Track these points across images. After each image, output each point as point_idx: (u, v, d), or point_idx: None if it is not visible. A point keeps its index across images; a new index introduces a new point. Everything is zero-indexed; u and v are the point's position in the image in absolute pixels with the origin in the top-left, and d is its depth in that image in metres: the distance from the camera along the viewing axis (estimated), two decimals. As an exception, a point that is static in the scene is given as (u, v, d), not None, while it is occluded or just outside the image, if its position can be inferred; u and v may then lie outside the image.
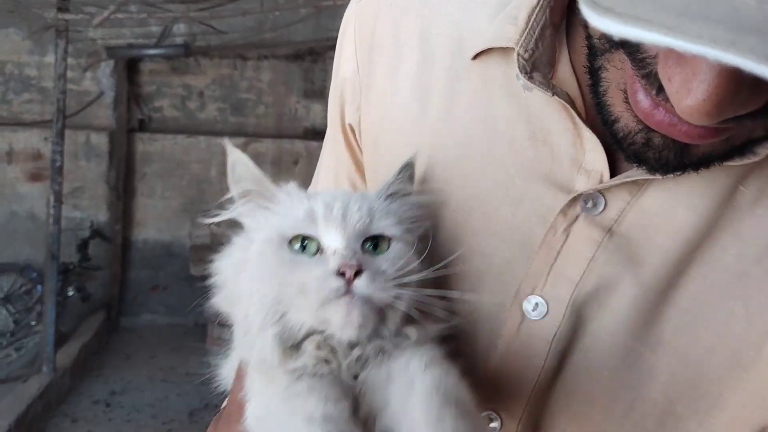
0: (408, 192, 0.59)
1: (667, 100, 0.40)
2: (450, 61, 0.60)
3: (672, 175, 0.48)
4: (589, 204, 0.53)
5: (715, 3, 0.31)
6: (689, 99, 0.38)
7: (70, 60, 4.90)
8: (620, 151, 0.49)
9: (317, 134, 6.22)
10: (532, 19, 0.54)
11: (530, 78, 0.53)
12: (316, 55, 6.12)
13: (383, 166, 0.64)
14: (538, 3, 0.54)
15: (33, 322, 4.58)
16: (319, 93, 6.26)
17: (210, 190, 5.88)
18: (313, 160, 6.08)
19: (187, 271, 5.59)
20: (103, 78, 5.39)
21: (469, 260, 0.57)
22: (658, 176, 0.49)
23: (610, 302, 0.53)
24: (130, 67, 5.64)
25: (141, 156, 5.72)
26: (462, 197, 0.58)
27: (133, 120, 5.72)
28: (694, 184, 0.50)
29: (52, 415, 3.84)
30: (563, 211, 0.54)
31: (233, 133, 5.99)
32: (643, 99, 0.44)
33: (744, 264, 0.49)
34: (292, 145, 6.05)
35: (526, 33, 0.54)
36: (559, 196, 0.54)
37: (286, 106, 6.19)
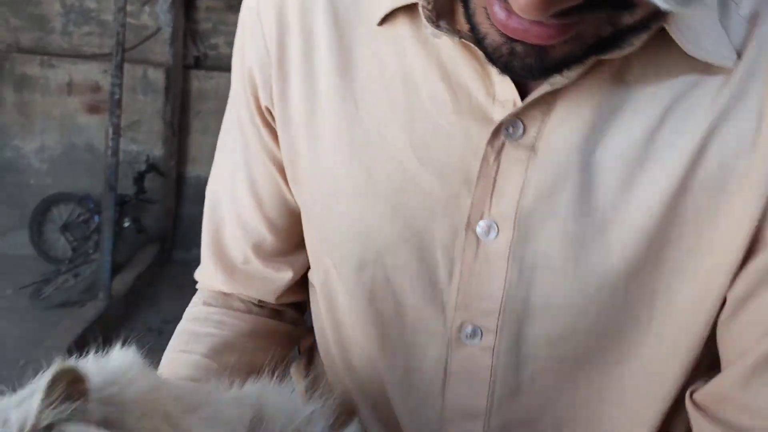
0: (73, 417, 0.44)
1: (519, 8, 0.45)
2: (359, 31, 0.64)
3: (548, 78, 0.56)
4: (510, 130, 0.60)
5: None
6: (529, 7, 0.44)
7: (129, -7, 4.93)
8: (493, 65, 0.55)
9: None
10: None
11: (437, 26, 0.57)
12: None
13: (313, 142, 0.68)
14: None
15: (90, 251, 4.74)
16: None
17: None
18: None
19: (237, 208, 5.68)
20: (161, 13, 5.40)
21: (414, 196, 0.63)
22: (555, 87, 0.57)
23: (551, 205, 0.60)
24: (187, 4, 5.64)
25: (196, 93, 5.77)
26: (393, 152, 0.63)
27: (189, 57, 5.75)
28: (590, 86, 0.58)
29: (107, 340, 4.00)
30: (490, 143, 0.60)
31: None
32: (498, 11, 0.49)
33: (649, 133, 0.58)
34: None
35: None
36: (483, 129, 0.60)
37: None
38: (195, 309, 0.82)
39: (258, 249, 0.77)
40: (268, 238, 0.76)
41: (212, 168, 0.79)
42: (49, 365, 0.48)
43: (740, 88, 0.56)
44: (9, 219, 5.54)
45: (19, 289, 4.53)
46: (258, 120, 0.72)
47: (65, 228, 5.15)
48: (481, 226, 0.62)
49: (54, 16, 5.56)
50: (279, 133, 0.70)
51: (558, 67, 0.54)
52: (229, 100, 0.78)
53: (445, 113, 0.61)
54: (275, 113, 0.70)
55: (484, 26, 0.52)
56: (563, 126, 0.59)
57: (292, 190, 0.72)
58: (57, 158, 5.48)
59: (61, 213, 5.37)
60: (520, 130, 0.59)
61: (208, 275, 0.81)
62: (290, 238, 0.77)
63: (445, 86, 0.61)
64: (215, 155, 0.80)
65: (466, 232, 0.62)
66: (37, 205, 5.36)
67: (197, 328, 0.78)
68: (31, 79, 5.43)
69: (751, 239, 0.58)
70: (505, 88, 0.59)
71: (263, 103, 0.71)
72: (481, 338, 0.64)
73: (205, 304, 0.81)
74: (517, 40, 0.50)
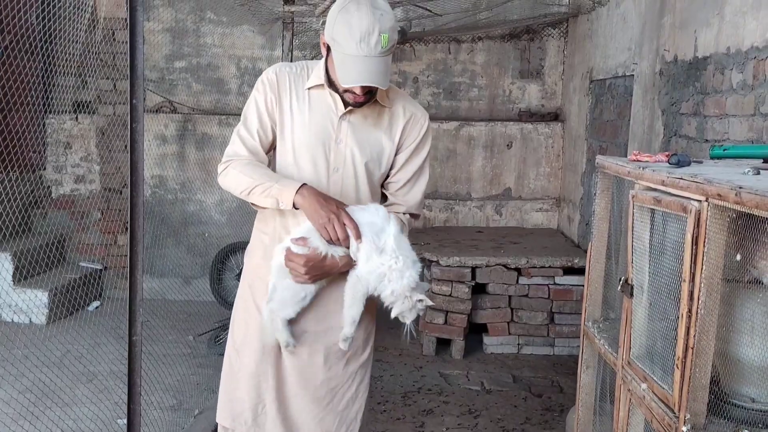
0: None
1: (355, 93, 1.96)
2: (300, 92, 2.10)
3: (360, 107, 2.05)
4: (343, 117, 2.07)
5: (365, 71, 1.89)
6: (358, 92, 1.95)
7: (295, 52, 5.18)
8: (343, 103, 2.05)
9: (532, 116, 5.98)
10: (324, 73, 2.06)
11: (327, 88, 2.06)
12: (532, 34, 5.86)
13: (288, 140, 2.10)
14: (323, 66, 2.06)
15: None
16: (535, 73, 5.99)
17: (423, 174, 5.92)
18: (527, 143, 5.86)
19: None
20: (324, 67, 5.61)
21: (310, 151, 2.08)
22: (355, 108, 2.06)
23: (358, 140, 2.09)
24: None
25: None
26: (317, 120, 2.07)
27: (351, 107, 5.92)
28: (374, 109, 2.08)
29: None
30: (339, 121, 2.07)
31: (446, 118, 5.97)
32: (351, 96, 1.99)
33: (387, 120, 2.12)
34: (506, 128, 5.87)
35: (325, 78, 2.05)
36: (336, 117, 2.07)
37: (500, 87, 6.01)
38: (237, 162, 2.12)
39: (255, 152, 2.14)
40: (259, 147, 2.13)
41: (242, 117, 2.15)
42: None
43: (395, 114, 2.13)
44: (194, 268, 5.97)
45: (198, 335, 4.82)
46: (268, 109, 2.11)
47: (238, 276, 5.42)
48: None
49: (230, 79, 5.99)
50: (277, 117, 2.10)
51: (362, 105, 2.02)
52: (252, 98, 2.13)
53: (328, 115, 2.07)
54: (276, 111, 2.10)
55: (345, 97, 2.01)
56: (360, 120, 2.07)
57: (277, 135, 2.12)
58: (234, 210, 5.84)
59: (238, 261, 5.68)
60: (346, 116, 2.06)
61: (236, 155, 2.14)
62: (266, 151, 2.14)
63: (327, 108, 2.07)
64: (243, 113, 2.16)
65: (336, 144, 2.07)
66: (217, 254, 5.72)
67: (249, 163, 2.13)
68: (210, 137, 5.87)
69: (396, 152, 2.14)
70: (341, 107, 2.05)
71: (271, 106, 2.10)
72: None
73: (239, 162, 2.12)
74: (356, 102, 2.01)
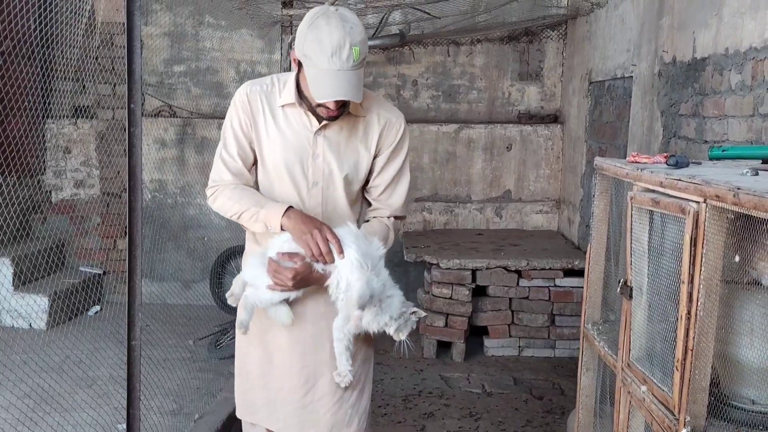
0: None
1: (328, 108, 1.97)
2: (276, 107, 2.10)
3: (335, 120, 2.05)
4: (318, 132, 2.07)
5: (337, 85, 1.89)
6: (332, 107, 1.97)
7: (294, 55, 5.17)
8: (317, 118, 2.04)
9: (532, 118, 5.98)
10: (295, 89, 2.06)
11: (300, 106, 2.06)
12: (531, 36, 5.86)
13: (267, 158, 2.11)
14: (294, 82, 2.05)
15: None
16: (534, 75, 5.99)
17: (422, 176, 5.92)
18: (527, 145, 5.86)
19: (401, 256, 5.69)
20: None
21: (288, 169, 2.08)
22: (329, 122, 2.05)
23: (335, 154, 2.09)
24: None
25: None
26: (290, 137, 2.09)
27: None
28: (348, 120, 2.07)
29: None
30: (314, 137, 2.07)
31: (445, 120, 5.96)
32: (324, 110, 1.99)
33: (362, 129, 2.11)
34: (505, 130, 5.87)
35: (296, 95, 2.05)
36: (311, 133, 2.07)
37: (499, 89, 6.01)
38: (223, 186, 2.15)
39: (239, 173, 2.16)
40: (242, 168, 2.15)
41: (221, 139, 2.16)
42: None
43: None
44: (194, 272, 5.96)
45: (198, 339, 4.81)
46: (244, 130, 2.12)
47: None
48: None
49: (229, 83, 5.99)
50: (253, 137, 2.11)
51: (336, 118, 2.02)
52: (227, 121, 2.14)
53: (304, 132, 2.07)
54: (252, 132, 2.11)
55: (319, 112, 2.01)
56: (334, 133, 2.07)
57: (256, 153, 2.14)
58: (233, 214, 5.82)
59: (238, 265, 5.66)
60: (320, 132, 2.06)
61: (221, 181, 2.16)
62: (248, 169, 2.16)
63: (303, 125, 2.07)
64: (222, 135, 2.17)
65: (313, 159, 2.08)
66: (217, 258, 5.71)
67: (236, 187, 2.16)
68: (210, 141, 5.86)
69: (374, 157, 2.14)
70: (315, 123, 2.06)
71: (246, 128, 2.11)
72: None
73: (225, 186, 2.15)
74: (330, 116, 2.01)
